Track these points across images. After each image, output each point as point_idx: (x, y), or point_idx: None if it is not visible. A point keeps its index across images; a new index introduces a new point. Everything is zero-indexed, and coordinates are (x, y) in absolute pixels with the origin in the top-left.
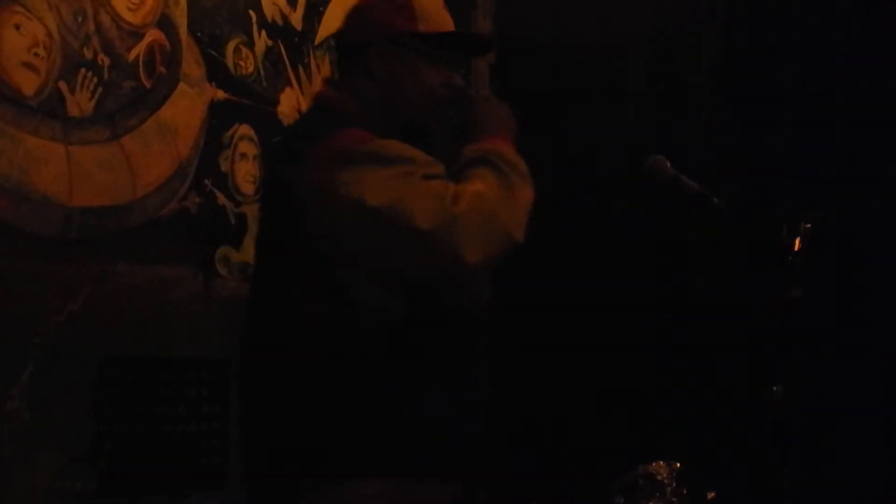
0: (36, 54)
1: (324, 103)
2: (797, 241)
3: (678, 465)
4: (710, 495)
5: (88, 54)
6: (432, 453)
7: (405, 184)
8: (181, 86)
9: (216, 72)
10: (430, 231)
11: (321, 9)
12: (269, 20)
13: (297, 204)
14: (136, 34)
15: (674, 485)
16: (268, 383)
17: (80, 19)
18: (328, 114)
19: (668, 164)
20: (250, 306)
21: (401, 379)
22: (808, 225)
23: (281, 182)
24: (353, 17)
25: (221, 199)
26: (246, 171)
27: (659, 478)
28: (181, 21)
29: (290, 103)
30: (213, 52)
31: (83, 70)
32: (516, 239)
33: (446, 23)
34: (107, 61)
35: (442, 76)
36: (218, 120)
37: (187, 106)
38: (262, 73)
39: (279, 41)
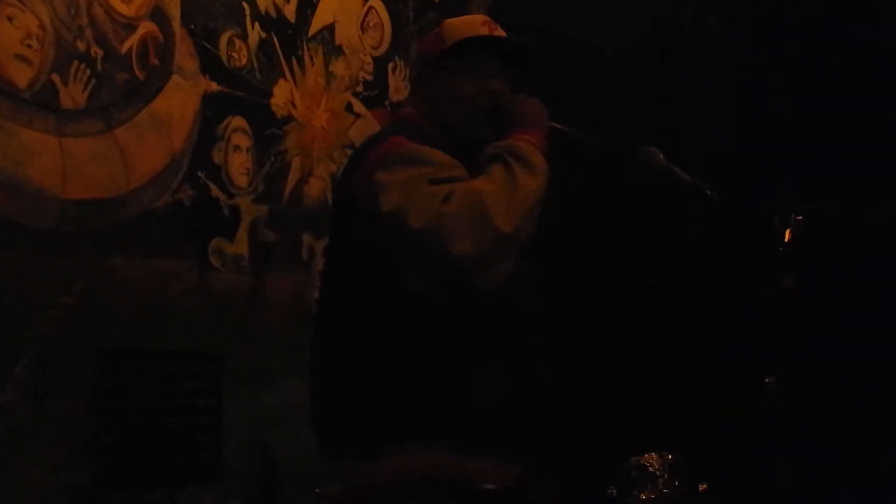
0: (29, 46)
1: (397, 118)
2: (787, 233)
3: (670, 456)
4: (702, 487)
5: (82, 46)
6: (487, 430)
7: (412, 187)
8: (174, 78)
9: (210, 64)
10: (420, 230)
11: (314, 0)
12: (263, 12)
13: (351, 198)
14: (130, 26)
15: (666, 476)
16: (333, 364)
17: (73, 11)
18: (396, 125)
19: (661, 157)
20: (321, 292)
21: (453, 358)
22: (799, 217)
23: (343, 179)
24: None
25: (215, 191)
26: (239, 163)
27: (651, 469)
28: (174, 13)
29: (284, 95)
30: (207, 45)
31: (76, 62)
32: (505, 231)
33: (473, 32)
34: (100, 53)
35: (477, 84)
36: (211, 112)
37: (181, 98)
38: (255, 65)
39: (273, 33)
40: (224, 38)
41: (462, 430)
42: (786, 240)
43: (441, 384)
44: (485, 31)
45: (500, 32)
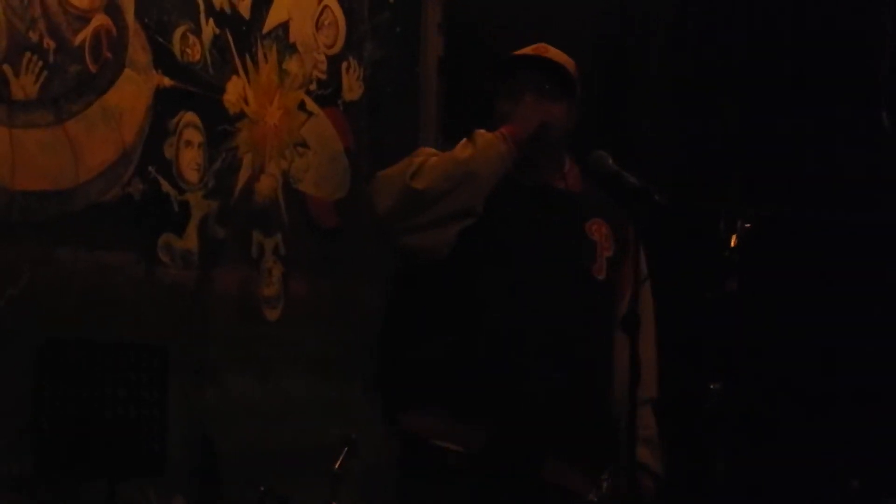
0: None
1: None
2: (734, 238)
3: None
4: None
5: (34, 37)
6: (458, 392)
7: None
8: (127, 71)
9: (162, 58)
10: (367, 194)
11: None
12: (217, 8)
13: None
14: (83, 18)
15: (609, 479)
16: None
17: (26, 2)
18: None
19: (610, 160)
20: None
21: (416, 326)
22: (747, 224)
23: None
24: None
25: (165, 186)
26: (190, 159)
27: None
28: (128, 6)
29: (237, 91)
30: (160, 39)
31: (28, 53)
32: (414, 187)
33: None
34: (52, 45)
35: (513, 101)
36: (163, 107)
37: (133, 92)
38: (208, 60)
39: (226, 29)
40: (178, 33)
41: (442, 394)
42: (731, 245)
43: (414, 354)
44: (528, 51)
45: (548, 54)
